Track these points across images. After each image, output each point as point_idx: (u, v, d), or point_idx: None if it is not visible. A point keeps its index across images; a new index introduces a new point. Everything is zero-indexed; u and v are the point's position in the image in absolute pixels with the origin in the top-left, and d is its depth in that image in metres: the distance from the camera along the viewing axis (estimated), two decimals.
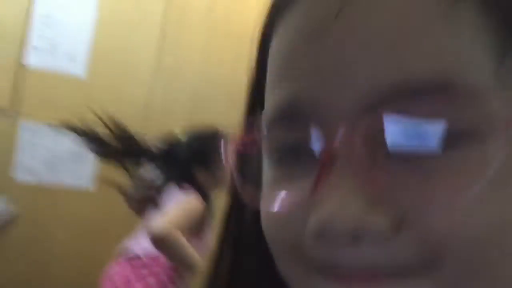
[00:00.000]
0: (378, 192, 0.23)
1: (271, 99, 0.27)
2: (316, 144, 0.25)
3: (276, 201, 0.27)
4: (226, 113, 2.02)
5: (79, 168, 2.18)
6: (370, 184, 0.23)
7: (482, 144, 0.22)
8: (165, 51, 2.27)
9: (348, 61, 0.24)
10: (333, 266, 0.25)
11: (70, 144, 2.16)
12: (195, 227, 1.53)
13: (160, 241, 1.40)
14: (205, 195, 1.57)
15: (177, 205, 1.49)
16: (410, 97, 0.23)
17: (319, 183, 0.24)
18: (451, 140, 0.23)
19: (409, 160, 0.23)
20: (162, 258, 1.51)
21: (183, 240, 1.43)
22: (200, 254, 1.50)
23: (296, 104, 0.25)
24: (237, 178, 0.29)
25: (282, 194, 0.27)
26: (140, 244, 1.56)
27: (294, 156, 0.26)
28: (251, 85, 0.32)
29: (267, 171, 0.28)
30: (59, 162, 2.15)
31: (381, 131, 0.23)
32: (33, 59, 2.10)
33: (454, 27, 0.23)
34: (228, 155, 0.28)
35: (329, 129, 0.24)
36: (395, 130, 0.23)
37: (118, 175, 2.19)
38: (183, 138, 1.66)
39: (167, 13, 2.26)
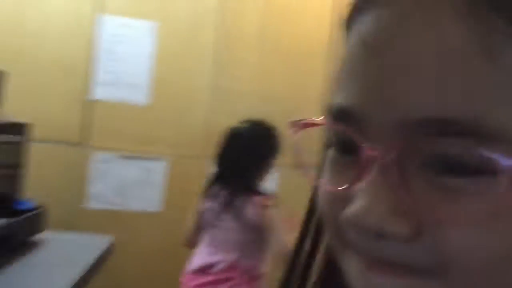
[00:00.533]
0: (402, 202, 0.27)
1: (336, 98, 0.30)
2: (361, 148, 0.29)
3: (327, 183, 0.32)
4: (282, 128, 2.02)
5: (147, 193, 2.24)
6: (396, 194, 0.27)
7: (501, 178, 0.25)
8: (220, 73, 2.32)
9: (399, 85, 0.27)
10: (361, 250, 0.29)
11: (138, 170, 2.24)
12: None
13: None
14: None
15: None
16: (446, 128, 0.26)
17: (355, 181, 0.28)
18: (475, 169, 0.25)
19: (434, 180, 0.27)
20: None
21: None
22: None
23: (352, 110, 0.29)
24: (298, 159, 0.34)
25: (333, 179, 0.31)
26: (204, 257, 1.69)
27: (346, 150, 0.31)
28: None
29: (328, 156, 0.33)
30: (128, 188, 2.23)
31: (415, 151, 0.27)
32: (99, 92, 2.22)
33: (492, 65, 0.25)
34: (296, 135, 0.33)
35: (373, 139, 0.28)
36: (427, 153, 0.27)
37: (184, 199, 2.24)
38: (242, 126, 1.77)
39: (220, 38, 2.32)
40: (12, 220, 0.89)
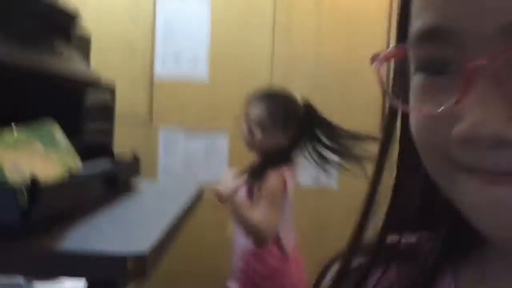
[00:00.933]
0: None
1: (419, 21, 0.30)
2: (459, 62, 0.28)
3: (424, 109, 0.31)
4: (342, 94, 2.05)
5: (213, 165, 2.32)
6: (511, 100, 0.27)
7: None
8: (278, 40, 2.35)
9: None
10: (476, 168, 0.29)
11: (203, 144, 2.32)
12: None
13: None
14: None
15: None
16: None
17: (463, 97, 0.28)
18: None
19: None
20: None
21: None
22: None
23: (444, 26, 0.28)
24: (389, 92, 0.34)
25: (429, 103, 0.30)
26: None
27: (438, 71, 0.30)
28: (399, 12, 0.36)
29: (415, 83, 0.32)
30: (195, 161, 2.32)
31: None
32: (162, 71, 2.31)
33: None
34: (380, 68, 0.33)
35: (472, 51, 0.27)
36: None
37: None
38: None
39: (277, 4, 2.35)
40: (116, 162, 0.98)
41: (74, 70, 0.98)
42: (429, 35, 0.29)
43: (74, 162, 0.82)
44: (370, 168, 0.50)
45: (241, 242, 1.66)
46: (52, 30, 0.95)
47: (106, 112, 1.08)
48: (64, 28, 1.00)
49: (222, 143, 2.32)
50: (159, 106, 2.32)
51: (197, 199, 1.05)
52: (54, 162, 0.77)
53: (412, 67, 0.32)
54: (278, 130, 1.64)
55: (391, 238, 0.39)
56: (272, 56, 2.33)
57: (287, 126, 1.64)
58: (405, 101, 0.33)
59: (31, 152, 0.73)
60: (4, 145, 0.69)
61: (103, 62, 2.27)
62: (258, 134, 1.65)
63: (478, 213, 0.30)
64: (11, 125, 0.73)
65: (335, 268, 0.41)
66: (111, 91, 1.10)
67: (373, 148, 0.55)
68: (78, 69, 1.00)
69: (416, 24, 0.30)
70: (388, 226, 0.39)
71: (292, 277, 1.68)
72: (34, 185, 0.60)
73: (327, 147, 1.62)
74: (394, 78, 0.36)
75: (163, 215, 0.82)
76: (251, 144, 1.69)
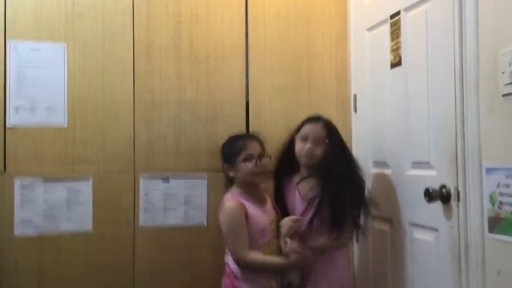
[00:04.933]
0: None
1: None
2: None
3: None
4: (205, 130, 2.10)
5: (77, 214, 2.25)
6: None
7: None
8: (139, 86, 2.38)
9: None
10: None
11: (64, 192, 2.24)
12: None
13: None
14: None
15: None
16: None
17: None
18: None
19: None
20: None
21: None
22: None
23: None
24: None
25: None
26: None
27: None
28: None
29: None
30: (56, 211, 2.23)
31: None
32: (16, 119, 2.20)
33: None
34: None
35: None
36: None
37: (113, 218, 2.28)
38: None
39: (135, 49, 2.38)
40: None
41: None
42: None
43: None
44: None
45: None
46: None
47: None
48: None
49: (86, 189, 2.26)
50: (13, 155, 2.20)
51: None
52: None
53: None
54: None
55: None
56: (133, 102, 2.35)
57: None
58: None
59: None
60: None
61: None
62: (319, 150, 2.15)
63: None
64: None
65: None
66: None
67: None
68: None
69: None
70: None
71: None
72: None
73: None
74: None
75: None
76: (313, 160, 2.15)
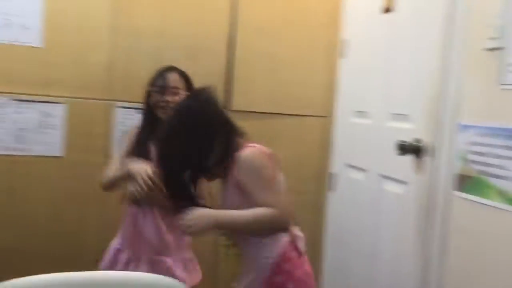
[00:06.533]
0: None
1: None
2: None
3: None
4: (186, 65, 2.07)
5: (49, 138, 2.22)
6: None
7: None
8: (120, 11, 2.28)
9: None
10: None
11: (36, 114, 2.19)
12: None
13: None
14: None
15: None
16: None
17: None
18: None
19: None
20: None
21: None
22: None
23: None
24: None
25: None
26: None
27: None
28: None
29: None
30: (27, 133, 2.19)
31: None
32: None
33: None
34: None
35: None
36: None
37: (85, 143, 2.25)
38: None
39: None
40: None
41: None
42: None
43: None
44: None
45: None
46: None
47: None
48: None
49: (58, 114, 2.21)
50: None
51: None
52: None
53: None
54: None
55: None
56: (112, 28, 2.26)
57: None
58: None
59: None
60: None
61: None
62: None
63: None
64: None
65: None
66: None
67: None
68: None
69: None
70: None
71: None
72: None
73: None
74: None
75: None
76: None
